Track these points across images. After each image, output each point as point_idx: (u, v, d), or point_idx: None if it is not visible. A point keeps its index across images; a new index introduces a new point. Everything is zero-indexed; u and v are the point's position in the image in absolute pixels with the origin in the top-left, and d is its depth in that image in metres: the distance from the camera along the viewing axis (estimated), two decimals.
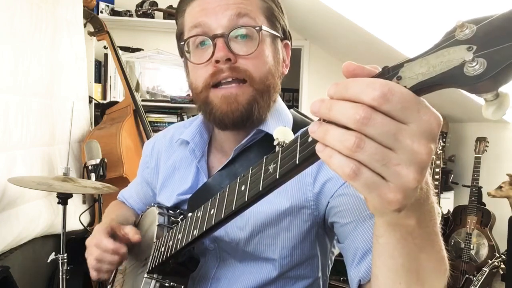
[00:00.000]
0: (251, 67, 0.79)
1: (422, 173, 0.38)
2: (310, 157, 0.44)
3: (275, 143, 0.53)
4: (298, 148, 0.46)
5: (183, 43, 0.83)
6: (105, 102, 3.13)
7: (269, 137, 0.79)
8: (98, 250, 0.86)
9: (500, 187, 2.67)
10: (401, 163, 0.37)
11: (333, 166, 0.39)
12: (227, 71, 0.78)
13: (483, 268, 2.43)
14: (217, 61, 0.77)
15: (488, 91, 0.34)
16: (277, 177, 0.49)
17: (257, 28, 0.79)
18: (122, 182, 2.32)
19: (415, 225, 0.46)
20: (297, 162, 0.45)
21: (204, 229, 0.66)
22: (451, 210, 3.06)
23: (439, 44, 0.37)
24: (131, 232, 0.87)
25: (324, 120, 0.39)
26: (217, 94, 0.79)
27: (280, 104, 0.90)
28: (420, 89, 0.37)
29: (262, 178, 0.53)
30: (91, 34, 2.79)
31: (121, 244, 0.87)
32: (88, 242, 0.91)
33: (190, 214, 0.75)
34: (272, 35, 0.84)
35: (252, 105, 0.80)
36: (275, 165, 0.50)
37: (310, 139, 0.43)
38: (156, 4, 3.31)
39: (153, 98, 3.45)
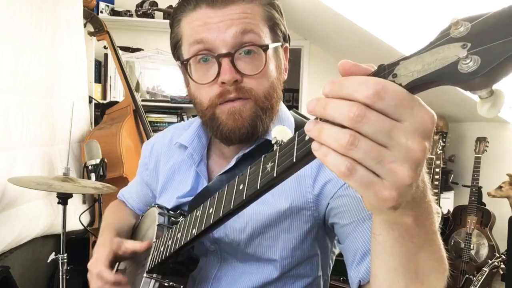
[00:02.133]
0: (256, 86, 0.79)
1: (417, 170, 0.38)
2: (307, 155, 0.44)
3: (273, 141, 0.53)
4: (296, 147, 0.46)
5: (186, 62, 0.82)
6: (105, 102, 3.14)
7: (270, 142, 0.80)
8: (99, 281, 0.84)
9: (500, 187, 2.67)
10: (396, 160, 0.37)
11: (329, 164, 0.39)
12: (233, 92, 0.77)
13: (483, 268, 2.42)
14: (223, 82, 0.76)
15: (482, 88, 0.34)
16: (275, 175, 0.49)
17: (264, 47, 0.78)
18: (122, 182, 2.32)
19: (412, 223, 0.46)
20: (294, 160, 0.46)
21: (203, 228, 0.67)
22: (451, 210, 3.06)
23: (434, 42, 0.37)
24: (136, 246, 0.86)
25: (320, 119, 0.40)
26: (223, 110, 0.79)
27: (281, 110, 0.90)
28: (415, 86, 0.37)
29: (260, 177, 0.53)
30: (91, 34, 2.79)
31: (121, 276, 0.85)
32: (90, 266, 0.89)
33: (189, 214, 0.75)
34: (275, 47, 0.83)
35: (256, 121, 0.80)
36: (272, 163, 0.50)
37: (307, 138, 0.43)
38: (156, 4, 3.31)
39: (153, 98, 3.45)
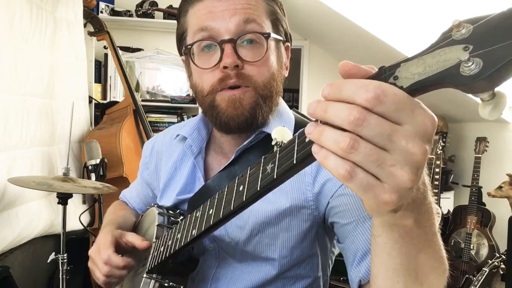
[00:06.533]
0: (256, 73, 0.80)
1: (417, 174, 0.38)
2: (307, 157, 0.44)
3: (273, 143, 0.53)
4: (296, 148, 0.46)
5: (189, 46, 0.82)
6: (105, 102, 3.14)
7: (269, 138, 0.80)
8: (107, 266, 0.84)
9: (500, 187, 2.67)
10: (396, 164, 0.37)
11: (328, 167, 0.39)
12: (234, 77, 0.78)
13: (483, 268, 2.42)
14: (225, 67, 0.77)
15: (484, 91, 0.34)
16: (275, 177, 0.49)
17: (265, 35, 0.80)
18: (122, 182, 2.32)
19: (412, 225, 0.46)
20: (295, 162, 0.45)
21: (203, 229, 0.66)
22: (451, 210, 3.06)
23: (436, 44, 0.36)
24: (137, 241, 0.86)
25: (320, 121, 0.40)
26: (223, 97, 0.80)
27: (282, 105, 0.91)
28: (416, 88, 0.37)
29: (260, 178, 0.53)
30: (91, 34, 2.79)
31: (130, 259, 0.85)
32: (92, 253, 0.89)
33: (189, 214, 0.75)
34: (276, 40, 0.85)
35: (255, 109, 0.80)
36: (273, 165, 0.50)
37: (307, 139, 0.43)
38: (156, 4, 3.31)
39: (153, 98, 3.45)
